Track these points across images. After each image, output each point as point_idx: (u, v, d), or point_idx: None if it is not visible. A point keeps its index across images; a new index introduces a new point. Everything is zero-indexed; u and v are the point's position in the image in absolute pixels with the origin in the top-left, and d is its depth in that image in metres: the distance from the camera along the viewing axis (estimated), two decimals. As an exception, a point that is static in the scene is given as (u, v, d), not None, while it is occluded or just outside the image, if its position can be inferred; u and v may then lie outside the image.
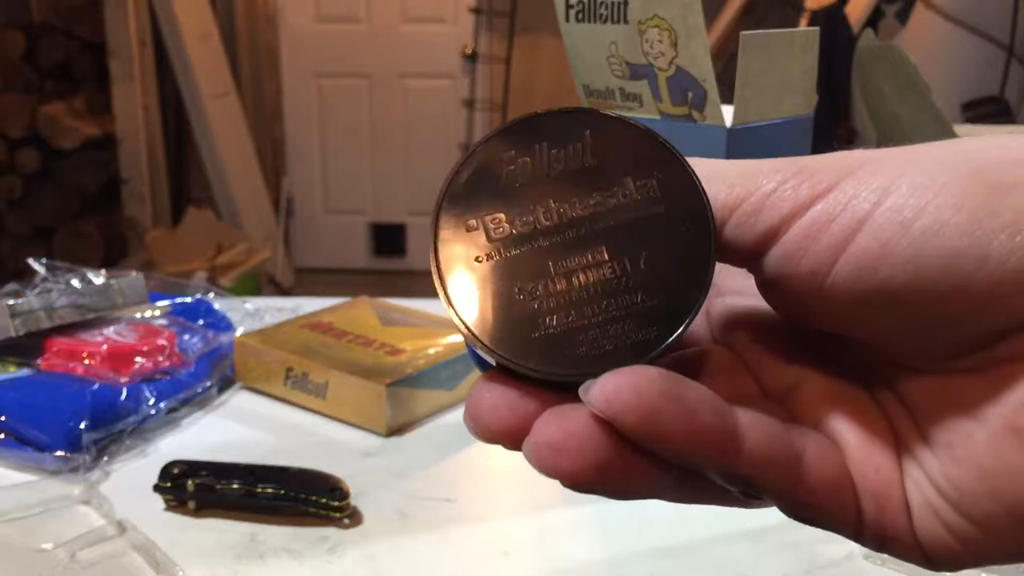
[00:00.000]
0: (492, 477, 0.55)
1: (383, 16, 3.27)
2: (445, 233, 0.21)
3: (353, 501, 0.49)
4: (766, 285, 0.21)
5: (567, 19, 0.52)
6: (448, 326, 0.68)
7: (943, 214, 0.18)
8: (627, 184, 0.21)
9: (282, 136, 3.39)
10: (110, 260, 2.74)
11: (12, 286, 0.68)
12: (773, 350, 0.22)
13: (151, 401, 0.58)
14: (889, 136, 0.67)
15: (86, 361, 0.60)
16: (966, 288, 0.18)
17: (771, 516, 0.48)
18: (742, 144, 0.49)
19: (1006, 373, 0.19)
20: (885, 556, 0.30)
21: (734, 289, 0.24)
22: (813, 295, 0.20)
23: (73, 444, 0.53)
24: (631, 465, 0.19)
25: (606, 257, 0.21)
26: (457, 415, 0.62)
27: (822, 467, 0.20)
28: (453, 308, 0.21)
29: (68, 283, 0.67)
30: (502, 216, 0.21)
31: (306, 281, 3.35)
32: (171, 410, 0.60)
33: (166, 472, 0.49)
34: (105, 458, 0.55)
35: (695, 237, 0.20)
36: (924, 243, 0.18)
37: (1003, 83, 1.65)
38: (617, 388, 0.18)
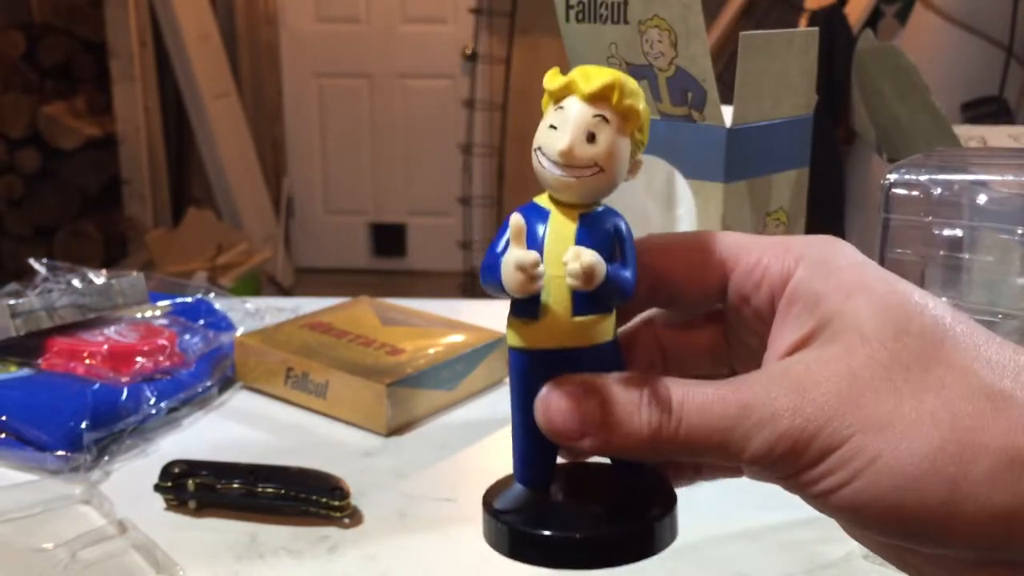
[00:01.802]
0: (492, 477, 0.55)
1: (383, 16, 3.27)
2: None
3: (353, 501, 0.49)
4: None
5: (567, 19, 0.52)
6: (448, 326, 0.68)
7: (929, 488, 0.21)
8: None
9: (282, 136, 3.40)
10: (111, 260, 2.75)
11: (13, 286, 0.68)
12: None
13: (152, 401, 0.58)
14: (889, 136, 0.67)
15: (87, 361, 0.60)
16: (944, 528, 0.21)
17: (771, 516, 0.49)
18: (742, 144, 0.49)
19: None
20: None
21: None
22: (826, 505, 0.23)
23: (74, 444, 0.53)
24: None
25: None
26: (457, 415, 0.62)
27: None
28: None
29: (69, 283, 0.67)
30: None
31: (306, 281, 3.35)
32: (172, 410, 0.60)
33: (167, 472, 0.49)
34: (106, 458, 0.55)
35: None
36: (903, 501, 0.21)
37: (1002, 83, 1.65)
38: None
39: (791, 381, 0.23)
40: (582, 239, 0.24)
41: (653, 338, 0.28)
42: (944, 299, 0.52)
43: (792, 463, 0.22)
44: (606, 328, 0.25)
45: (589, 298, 0.24)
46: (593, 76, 0.24)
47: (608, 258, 0.24)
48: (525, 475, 0.26)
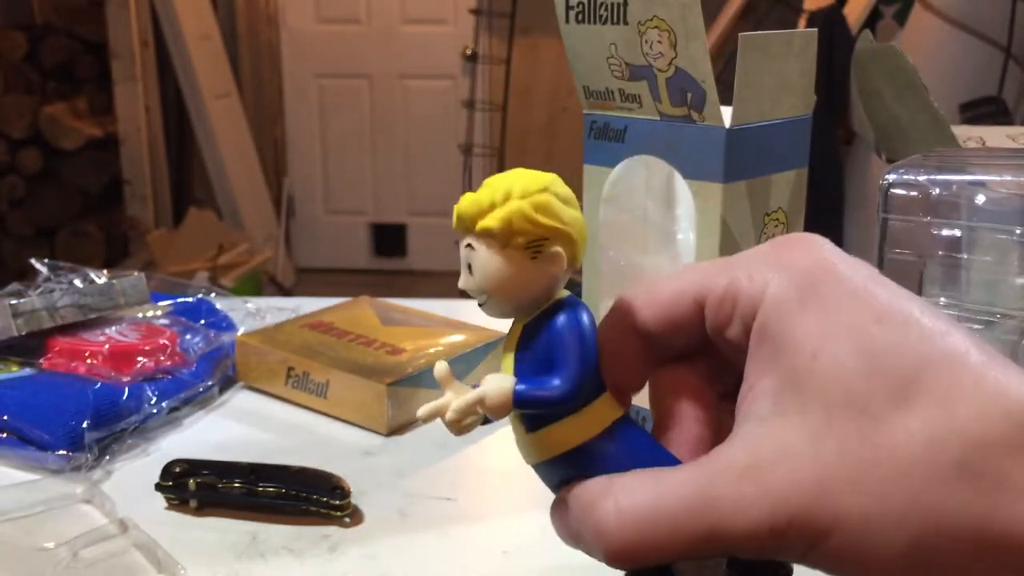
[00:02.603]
0: (492, 476, 0.55)
1: (383, 17, 3.27)
2: None
3: (354, 500, 0.49)
4: None
5: (567, 20, 0.52)
6: (448, 326, 0.68)
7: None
8: None
9: (283, 136, 3.40)
10: (112, 260, 2.75)
11: (14, 286, 0.68)
12: None
13: (153, 400, 0.58)
14: (887, 137, 0.67)
15: (88, 360, 0.60)
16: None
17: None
18: (741, 145, 0.49)
19: None
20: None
21: None
22: None
23: (75, 443, 0.53)
24: None
25: None
26: (457, 415, 0.62)
27: None
28: None
29: (70, 283, 0.67)
30: None
31: (307, 281, 3.35)
32: (173, 409, 0.60)
33: (168, 471, 0.49)
34: (107, 457, 0.55)
35: None
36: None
37: (1001, 84, 1.65)
38: None
39: (759, 471, 0.22)
40: (519, 359, 0.25)
41: (689, 390, 0.26)
42: (942, 299, 0.52)
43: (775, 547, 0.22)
44: (577, 430, 0.24)
45: (528, 416, 0.25)
46: (456, 207, 0.25)
47: (546, 367, 0.24)
48: None
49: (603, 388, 0.25)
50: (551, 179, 0.26)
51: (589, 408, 0.24)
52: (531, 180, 0.25)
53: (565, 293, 0.25)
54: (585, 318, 0.25)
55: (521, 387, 0.24)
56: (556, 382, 0.24)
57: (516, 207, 0.24)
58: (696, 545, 0.22)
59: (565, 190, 0.25)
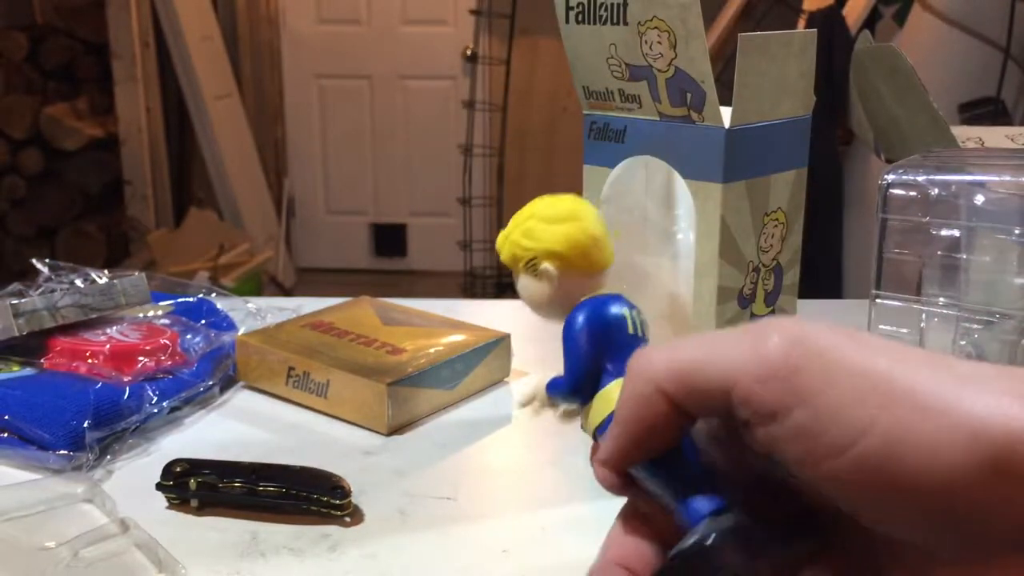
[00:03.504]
0: (492, 476, 0.55)
1: (384, 17, 3.27)
2: None
3: (354, 500, 0.49)
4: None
5: (567, 20, 0.53)
6: (449, 325, 0.68)
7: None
8: None
9: (283, 137, 3.40)
10: (113, 260, 2.75)
11: (16, 286, 0.68)
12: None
13: (154, 400, 0.58)
14: (887, 137, 0.67)
15: (89, 360, 0.60)
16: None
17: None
18: (740, 145, 0.49)
19: None
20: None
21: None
22: (807, 475, 0.22)
23: (76, 443, 0.53)
24: None
25: None
26: (457, 414, 0.62)
27: None
28: None
29: (71, 283, 0.67)
30: None
31: (307, 281, 3.35)
32: (173, 409, 0.60)
33: (168, 471, 0.49)
34: (108, 457, 0.55)
35: None
36: (894, 496, 0.21)
37: (1000, 84, 1.65)
38: None
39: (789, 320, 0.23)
40: None
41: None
42: (941, 299, 0.52)
43: (780, 390, 0.22)
44: (602, 405, 0.28)
45: (578, 399, 0.30)
46: None
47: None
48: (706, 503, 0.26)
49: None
50: (542, 205, 0.30)
51: (610, 388, 0.28)
52: (525, 211, 0.31)
53: (605, 292, 0.30)
54: (580, 318, 0.29)
55: (548, 382, 0.30)
56: (562, 377, 0.29)
57: (513, 239, 0.31)
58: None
59: (555, 210, 0.30)
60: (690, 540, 0.24)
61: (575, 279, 0.29)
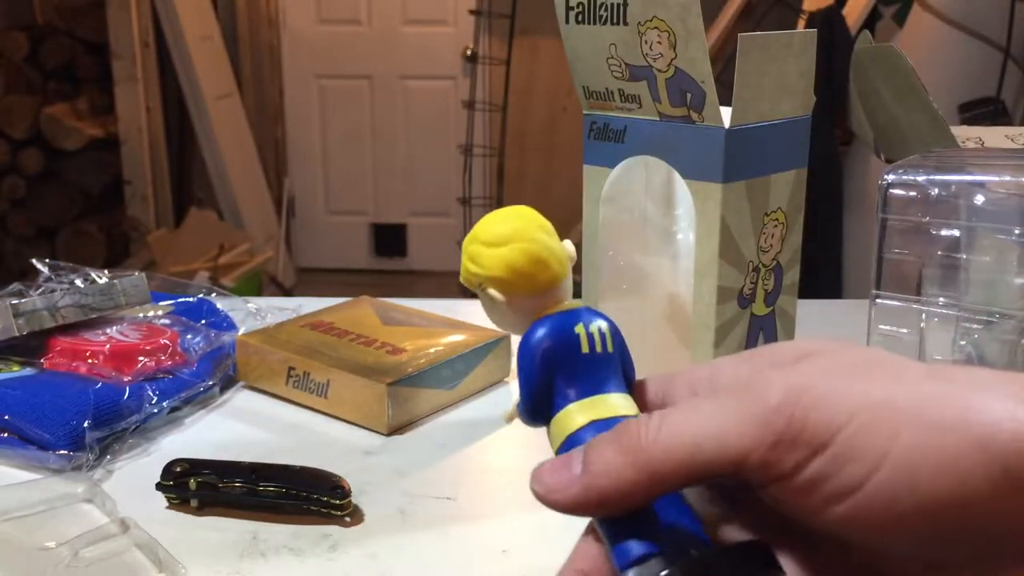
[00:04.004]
0: (492, 476, 0.55)
1: (384, 18, 3.27)
2: None
3: (354, 499, 0.49)
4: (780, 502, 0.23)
5: (567, 20, 0.53)
6: (449, 325, 0.68)
7: (930, 497, 0.20)
8: None
9: (283, 137, 3.40)
10: (113, 260, 2.75)
11: (16, 286, 0.68)
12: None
13: (154, 400, 0.58)
14: (886, 137, 0.67)
15: (89, 360, 0.60)
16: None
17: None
18: (740, 145, 0.49)
19: None
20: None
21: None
22: (824, 522, 0.22)
23: (76, 443, 0.54)
24: None
25: None
26: (457, 414, 0.62)
27: None
28: None
29: (71, 283, 0.67)
30: None
31: (307, 281, 3.35)
32: (173, 409, 0.60)
33: (168, 471, 0.49)
34: (108, 457, 0.55)
35: None
36: (908, 521, 0.21)
37: (999, 84, 1.65)
38: None
39: (781, 375, 0.23)
40: None
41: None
42: (941, 299, 0.52)
43: (792, 449, 0.21)
44: (559, 427, 0.27)
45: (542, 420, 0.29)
46: None
47: None
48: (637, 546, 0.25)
49: (583, 394, 0.27)
50: (483, 227, 0.29)
51: (562, 414, 0.27)
52: (472, 231, 0.29)
53: (564, 307, 0.29)
54: (530, 340, 0.28)
55: (517, 402, 0.29)
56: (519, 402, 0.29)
57: (463, 262, 0.30)
58: (705, 447, 0.23)
59: (494, 232, 0.29)
60: None
61: (525, 299, 0.28)
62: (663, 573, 0.23)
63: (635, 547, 0.24)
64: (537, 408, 0.28)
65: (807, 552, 0.24)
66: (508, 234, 0.28)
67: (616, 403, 0.27)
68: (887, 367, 0.22)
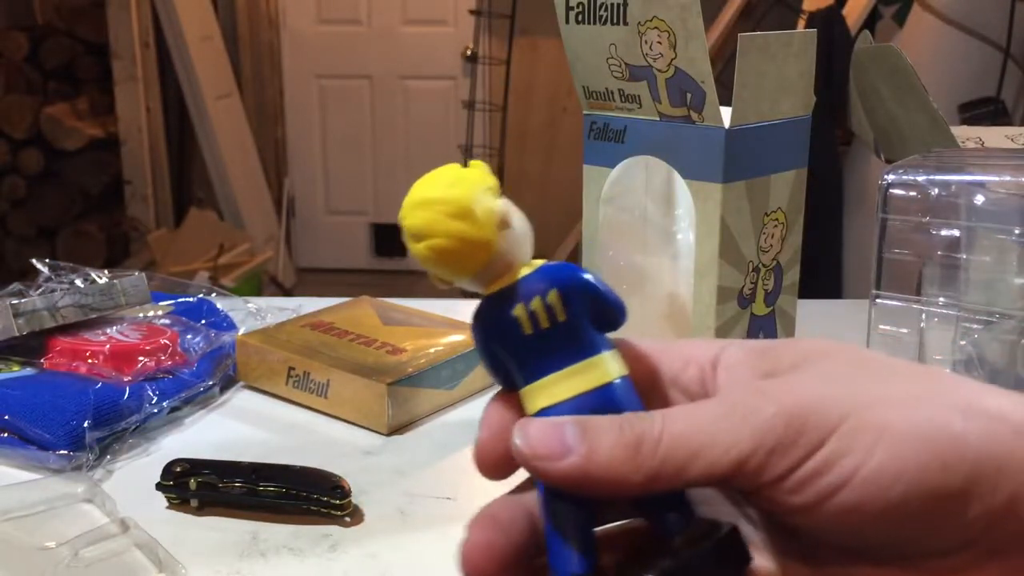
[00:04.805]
0: (492, 476, 0.55)
1: (384, 18, 3.27)
2: None
3: (354, 499, 0.49)
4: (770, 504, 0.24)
5: (567, 20, 0.53)
6: (449, 325, 0.68)
7: (916, 486, 0.21)
8: None
9: (283, 137, 3.40)
10: (113, 260, 2.75)
11: (16, 286, 0.68)
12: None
13: (154, 400, 0.58)
14: (886, 137, 0.67)
15: (89, 360, 0.60)
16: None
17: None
18: (740, 145, 0.49)
19: None
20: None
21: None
22: (809, 518, 0.23)
23: (76, 443, 0.54)
24: None
25: None
26: (457, 414, 0.62)
27: None
28: None
29: (71, 283, 0.67)
30: None
31: (307, 281, 3.35)
32: (173, 409, 0.60)
33: (168, 471, 0.49)
34: (108, 457, 0.55)
35: None
36: (897, 504, 0.21)
37: (999, 84, 1.65)
38: None
39: (778, 387, 0.23)
40: None
41: None
42: (941, 299, 0.52)
43: (788, 453, 0.22)
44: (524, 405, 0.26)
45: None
46: None
47: None
48: (582, 561, 0.24)
49: (534, 377, 0.26)
50: (402, 213, 0.27)
51: (525, 392, 0.26)
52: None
53: (507, 281, 0.26)
54: (473, 330, 0.26)
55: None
56: None
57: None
58: (707, 450, 0.23)
59: (409, 226, 0.26)
60: None
61: (466, 282, 0.26)
62: None
63: (574, 560, 0.24)
64: (507, 386, 0.26)
65: (786, 539, 0.24)
66: (420, 228, 0.26)
67: (575, 380, 0.25)
68: (882, 366, 0.24)
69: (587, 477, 0.23)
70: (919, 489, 0.21)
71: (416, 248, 0.26)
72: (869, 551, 0.23)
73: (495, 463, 0.26)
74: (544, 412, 0.25)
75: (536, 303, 0.25)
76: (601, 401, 0.25)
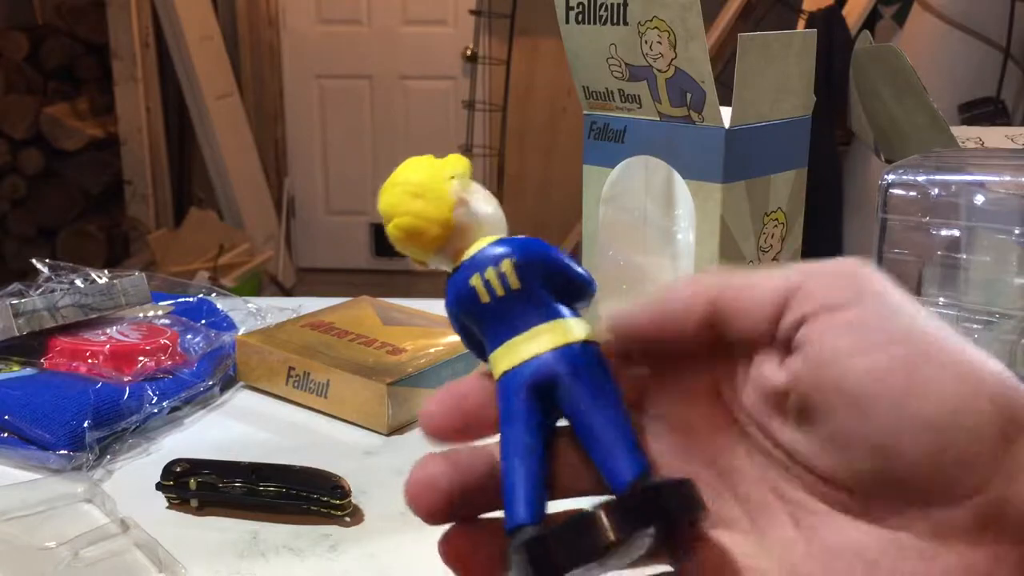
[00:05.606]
0: (492, 476, 0.55)
1: (384, 18, 3.27)
2: None
3: (354, 499, 0.49)
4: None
5: (567, 20, 0.53)
6: (448, 325, 0.68)
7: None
8: None
9: (283, 137, 3.40)
10: (113, 260, 2.75)
11: (16, 286, 0.68)
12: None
13: (154, 400, 0.58)
14: (886, 137, 0.67)
15: (89, 360, 0.60)
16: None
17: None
18: (740, 145, 0.49)
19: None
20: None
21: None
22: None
23: (76, 443, 0.54)
24: None
25: None
26: (457, 414, 0.62)
27: None
28: None
29: (71, 283, 0.67)
30: None
31: (307, 281, 3.35)
32: (174, 409, 0.61)
33: (169, 470, 0.49)
34: (108, 457, 0.55)
35: None
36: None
37: (999, 84, 1.65)
38: None
39: None
40: None
41: None
42: (941, 299, 0.52)
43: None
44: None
45: None
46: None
47: None
48: (529, 510, 0.25)
49: (496, 343, 0.27)
50: (380, 198, 0.29)
51: (491, 359, 0.27)
52: None
53: (468, 253, 0.27)
54: (446, 303, 0.27)
55: None
56: None
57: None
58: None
59: (381, 209, 0.28)
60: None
61: (434, 259, 0.29)
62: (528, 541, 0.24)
63: (522, 511, 0.25)
64: (483, 358, 0.28)
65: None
66: (385, 208, 0.28)
67: (534, 342, 0.26)
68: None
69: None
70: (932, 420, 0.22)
71: (388, 229, 0.28)
72: (876, 487, 0.22)
73: (440, 425, 0.28)
74: (506, 374, 0.26)
75: (490, 272, 0.26)
76: (561, 360, 0.25)
